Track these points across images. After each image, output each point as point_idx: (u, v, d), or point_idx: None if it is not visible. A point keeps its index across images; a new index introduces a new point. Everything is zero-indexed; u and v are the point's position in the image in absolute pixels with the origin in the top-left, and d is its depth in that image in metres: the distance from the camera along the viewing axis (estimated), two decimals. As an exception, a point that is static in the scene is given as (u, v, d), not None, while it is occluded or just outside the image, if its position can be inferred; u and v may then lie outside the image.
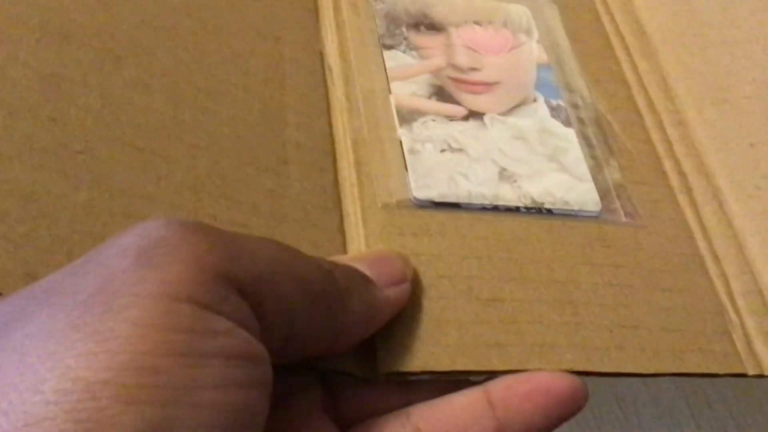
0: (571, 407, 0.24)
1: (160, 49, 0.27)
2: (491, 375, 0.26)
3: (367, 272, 0.24)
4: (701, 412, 0.56)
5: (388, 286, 0.24)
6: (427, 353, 0.25)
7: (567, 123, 0.33)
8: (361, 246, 0.27)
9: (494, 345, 0.26)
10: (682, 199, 0.33)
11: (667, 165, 0.34)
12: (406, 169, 0.29)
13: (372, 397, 0.25)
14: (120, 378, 0.15)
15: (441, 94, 0.33)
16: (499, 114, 0.33)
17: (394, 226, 0.28)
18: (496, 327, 0.26)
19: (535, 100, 0.34)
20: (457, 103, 0.32)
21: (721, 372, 0.28)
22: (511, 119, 0.33)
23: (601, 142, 0.33)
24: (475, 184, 0.30)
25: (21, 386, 0.15)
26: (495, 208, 0.29)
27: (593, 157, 0.33)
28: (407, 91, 0.32)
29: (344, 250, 0.27)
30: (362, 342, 0.24)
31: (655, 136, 0.35)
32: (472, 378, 0.25)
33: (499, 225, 0.29)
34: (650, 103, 0.36)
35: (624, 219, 0.31)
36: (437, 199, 0.29)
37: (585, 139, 0.33)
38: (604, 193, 0.31)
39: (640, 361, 0.27)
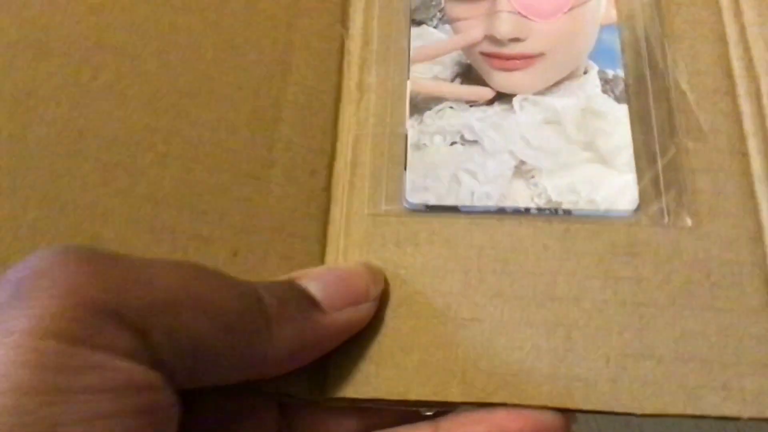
0: None
1: (146, 53, 0.27)
2: (449, 408, 0.24)
3: (318, 293, 0.23)
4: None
5: (341, 307, 0.23)
6: (380, 379, 0.24)
7: (621, 98, 0.29)
8: (338, 257, 0.26)
9: (458, 372, 0.24)
10: (762, 191, 0.27)
11: (752, 145, 0.28)
12: (405, 168, 0.28)
13: (327, 421, 0.25)
14: None
15: (467, 75, 0.30)
16: (533, 94, 0.29)
17: (377, 235, 0.26)
18: (467, 352, 0.24)
19: (585, 72, 0.29)
20: (485, 84, 0.29)
21: (746, 415, 0.23)
22: (547, 99, 0.29)
23: (662, 120, 0.28)
24: (482, 183, 0.27)
25: None
26: (501, 211, 0.27)
27: (646, 142, 0.28)
28: (429, 74, 0.30)
29: (321, 262, 0.27)
30: (307, 365, 0.23)
31: (746, 108, 0.28)
32: (423, 411, 0.24)
33: (499, 231, 0.26)
34: (750, 65, 0.29)
35: (666, 219, 0.26)
36: (433, 203, 0.27)
37: (641, 118, 0.28)
38: (648, 188, 0.27)
39: (638, 398, 0.23)
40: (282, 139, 0.28)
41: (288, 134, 0.28)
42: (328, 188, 0.28)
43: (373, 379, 0.24)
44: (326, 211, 0.27)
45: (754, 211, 0.26)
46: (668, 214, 0.26)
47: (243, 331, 0.21)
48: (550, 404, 0.23)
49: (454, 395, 0.24)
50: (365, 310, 0.24)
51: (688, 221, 0.26)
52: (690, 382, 0.24)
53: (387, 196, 0.27)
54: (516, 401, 0.23)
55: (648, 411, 0.23)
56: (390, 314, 0.25)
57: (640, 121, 0.28)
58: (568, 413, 0.23)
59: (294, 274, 0.24)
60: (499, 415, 0.23)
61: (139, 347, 0.19)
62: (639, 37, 0.30)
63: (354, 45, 0.31)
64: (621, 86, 0.29)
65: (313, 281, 0.23)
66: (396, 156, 0.28)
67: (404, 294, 0.25)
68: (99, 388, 0.18)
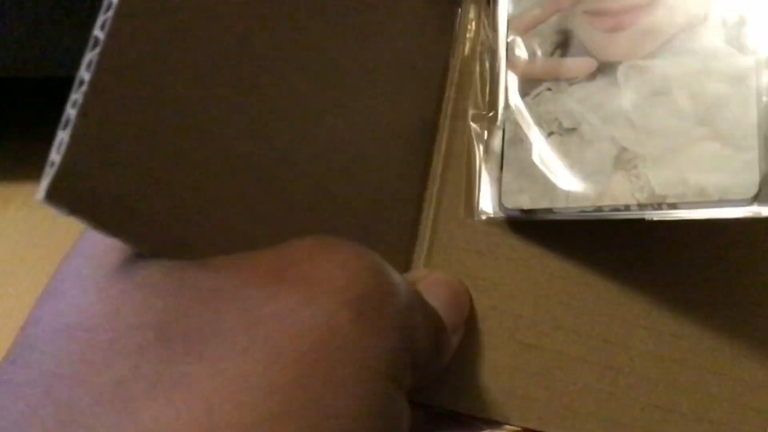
0: None
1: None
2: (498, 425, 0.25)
3: (442, 313, 0.22)
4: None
5: (456, 330, 0.23)
6: (447, 388, 0.25)
7: (746, 47, 0.24)
8: (420, 261, 0.26)
9: (518, 396, 0.25)
10: None
11: None
12: (501, 169, 0.27)
13: None
14: None
15: (567, 44, 0.27)
16: (641, 59, 0.25)
17: (462, 240, 0.26)
18: (527, 377, 0.25)
19: (705, 19, 0.25)
20: (588, 53, 0.26)
21: None
22: (657, 63, 0.25)
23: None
24: (579, 179, 0.26)
25: None
26: (598, 210, 0.25)
27: (778, 103, 0.23)
28: (528, 49, 0.27)
29: (407, 257, 0.26)
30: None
31: None
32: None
33: (585, 245, 0.25)
34: None
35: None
36: (528, 206, 0.26)
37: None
38: (775, 166, 0.23)
39: None
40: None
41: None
42: (424, 179, 0.27)
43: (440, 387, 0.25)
44: (419, 209, 0.27)
45: None
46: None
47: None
48: None
49: (513, 418, 0.25)
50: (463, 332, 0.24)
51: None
52: None
53: (482, 200, 0.27)
54: None
55: None
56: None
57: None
58: None
59: (409, 278, 0.22)
60: None
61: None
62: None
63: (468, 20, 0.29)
64: (745, 28, 0.24)
65: (433, 298, 0.22)
66: (491, 154, 0.27)
67: (479, 307, 0.26)
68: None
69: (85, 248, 0.17)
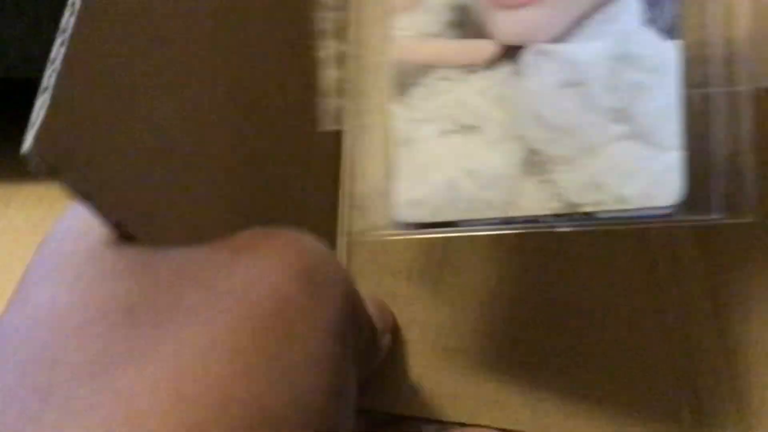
0: None
1: None
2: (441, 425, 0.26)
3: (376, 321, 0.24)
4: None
5: (385, 333, 0.25)
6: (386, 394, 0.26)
7: (671, 30, 0.21)
8: None
9: (451, 395, 0.26)
10: None
11: None
12: (393, 176, 0.23)
13: None
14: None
15: (463, 23, 0.23)
16: (549, 42, 0.22)
17: (375, 263, 0.25)
18: (456, 378, 0.26)
19: (621, -5, 0.21)
20: (486, 35, 0.22)
21: None
22: (568, 49, 0.22)
23: (733, 61, 0.20)
24: (482, 187, 0.22)
25: None
26: (507, 222, 0.22)
27: (705, 95, 0.20)
28: (413, 28, 0.23)
29: None
30: None
31: None
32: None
33: (499, 253, 0.23)
34: None
35: (719, 215, 0.20)
36: (428, 219, 0.23)
37: (700, 59, 0.20)
38: (703, 167, 0.20)
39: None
40: None
41: None
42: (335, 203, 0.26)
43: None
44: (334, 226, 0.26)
45: None
46: (728, 207, 0.20)
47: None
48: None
49: (447, 414, 0.26)
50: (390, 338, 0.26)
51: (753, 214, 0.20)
52: None
53: (379, 212, 0.23)
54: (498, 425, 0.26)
55: None
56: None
57: (700, 64, 0.20)
58: None
59: None
60: None
61: None
62: None
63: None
64: (674, 8, 0.21)
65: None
66: (383, 155, 0.23)
67: (401, 320, 0.27)
68: None
69: (53, 245, 0.18)
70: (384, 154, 0.23)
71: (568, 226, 0.21)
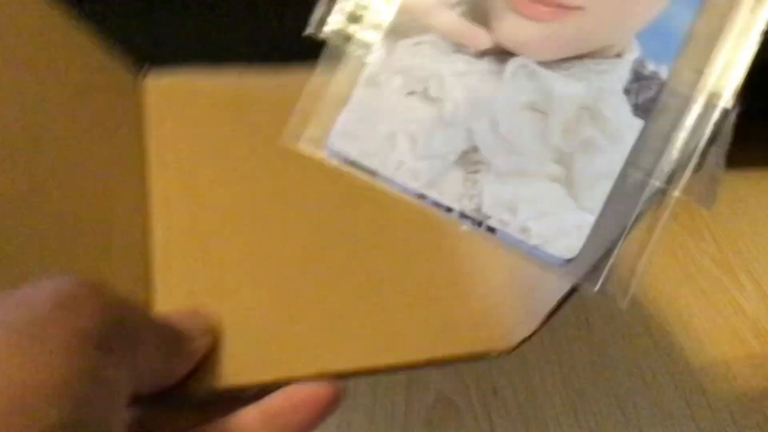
0: None
1: None
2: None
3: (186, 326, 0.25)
4: (701, 413, 0.56)
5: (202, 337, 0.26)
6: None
7: (644, 110, 0.22)
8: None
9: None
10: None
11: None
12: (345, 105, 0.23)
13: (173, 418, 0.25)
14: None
15: (475, 8, 0.23)
16: (539, 62, 0.22)
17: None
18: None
19: (619, 56, 0.22)
20: (488, 27, 0.23)
21: None
22: (550, 76, 0.22)
23: (681, 167, 0.21)
24: (416, 157, 0.23)
25: None
26: (420, 197, 0.23)
27: (641, 182, 0.21)
28: (434, -12, 0.23)
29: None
30: None
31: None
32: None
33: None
34: None
35: (600, 288, 0.21)
36: (354, 157, 0.23)
37: (656, 150, 0.21)
38: (604, 242, 0.21)
39: None
40: None
41: None
42: None
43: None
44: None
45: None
46: (606, 284, 0.21)
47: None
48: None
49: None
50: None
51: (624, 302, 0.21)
52: None
53: (312, 130, 0.24)
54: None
55: None
56: None
57: (648, 153, 0.21)
58: None
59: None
60: None
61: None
62: (720, 29, 0.21)
63: None
64: (652, 92, 0.22)
65: (176, 317, 0.25)
66: (341, 86, 0.24)
67: None
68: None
69: None
70: (349, 84, 0.23)
71: (467, 228, 0.22)
